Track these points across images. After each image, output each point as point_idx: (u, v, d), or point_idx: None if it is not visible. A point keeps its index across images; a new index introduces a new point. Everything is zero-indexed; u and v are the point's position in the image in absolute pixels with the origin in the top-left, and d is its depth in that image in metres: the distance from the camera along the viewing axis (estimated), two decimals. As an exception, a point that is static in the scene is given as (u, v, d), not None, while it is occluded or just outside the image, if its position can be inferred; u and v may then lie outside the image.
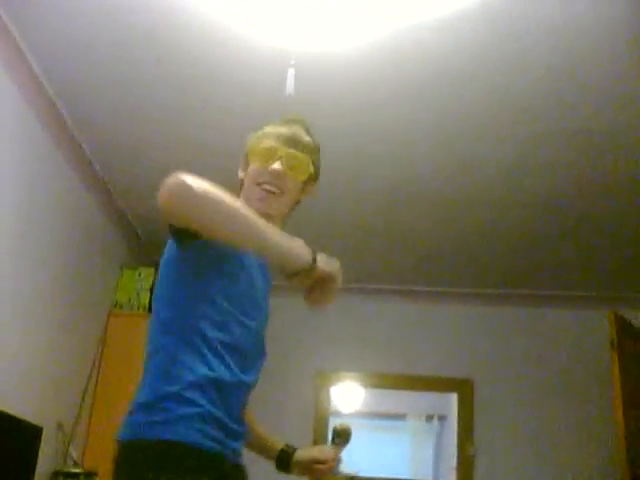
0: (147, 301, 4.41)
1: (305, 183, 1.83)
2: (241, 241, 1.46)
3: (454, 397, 5.30)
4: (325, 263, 1.49)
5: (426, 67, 2.90)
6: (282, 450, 1.95)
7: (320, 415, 5.12)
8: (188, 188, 1.38)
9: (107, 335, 4.29)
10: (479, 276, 5.05)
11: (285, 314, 4.31)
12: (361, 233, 4.49)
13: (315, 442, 4.97)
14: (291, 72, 2.46)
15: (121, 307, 4.46)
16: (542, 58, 2.79)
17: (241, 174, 1.84)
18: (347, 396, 6.59)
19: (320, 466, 1.99)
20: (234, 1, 2.60)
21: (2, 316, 3.06)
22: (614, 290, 4.97)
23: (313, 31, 2.71)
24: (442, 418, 7.33)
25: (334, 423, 5.92)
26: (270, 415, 4.87)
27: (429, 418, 7.58)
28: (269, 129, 1.82)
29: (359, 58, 2.86)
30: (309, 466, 1.98)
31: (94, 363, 4.12)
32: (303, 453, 1.99)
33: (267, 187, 1.73)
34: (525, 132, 3.31)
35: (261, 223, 1.44)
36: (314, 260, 1.46)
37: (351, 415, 6.99)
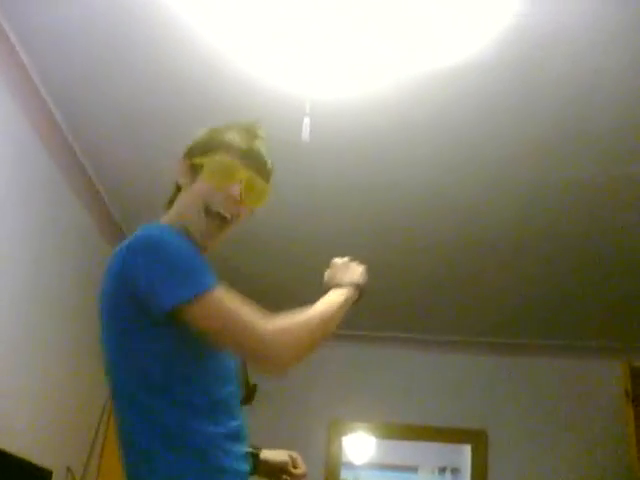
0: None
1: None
2: (331, 332, 1.55)
3: (467, 449, 5.23)
4: (363, 280, 1.79)
5: (438, 113, 2.94)
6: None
7: (332, 465, 5.05)
8: (290, 343, 1.41)
9: (119, 379, 4.27)
10: (493, 326, 5.02)
11: (299, 364, 4.29)
12: (374, 282, 4.48)
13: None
14: (306, 121, 2.50)
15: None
16: (556, 103, 2.82)
17: (181, 180, 1.60)
18: (359, 446, 6.52)
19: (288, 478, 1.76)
20: (249, 46, 2.64)
21: (13, 358, 3.07)
22: (628, 340, 4.92)
23: (328, 78, 2.76)
24: (455, 470, 7.21)
25: (346, 475, 5.87)
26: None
27: (441, 470, 7.47)
28: (227, 138, 1.57)
29: (374, 104, 2.90)
30: (277, 473, 1.75)
31: (105, 406, 4.10)
32: (272, 454, 1.76)
33: (217, 209, 1.51)
34: (541, 175, 3.32)
35: (328, 307, 1.57)
36: (360, 290, 1.73)
37: (363, 466, 6.92)
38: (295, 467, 1.77)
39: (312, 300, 1.60)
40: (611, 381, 4.48)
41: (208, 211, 1.52)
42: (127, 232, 4.20)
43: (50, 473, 3.24)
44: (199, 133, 1.66)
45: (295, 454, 1.79)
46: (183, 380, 1.41)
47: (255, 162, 1.56)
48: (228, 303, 1.38)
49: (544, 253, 3.99)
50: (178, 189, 1.63)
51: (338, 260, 1.77)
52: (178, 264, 1.39)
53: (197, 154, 1.59)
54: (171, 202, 1.63)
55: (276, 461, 1.75)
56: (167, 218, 1.60)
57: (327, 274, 1.75)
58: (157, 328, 1.40)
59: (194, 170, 1.57)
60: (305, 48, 2.61)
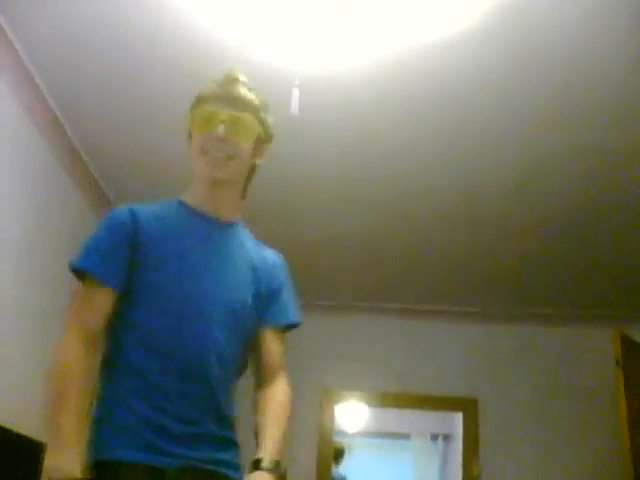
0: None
1: (256, 144, 1.69)
2: None
3: (459, 416, 5.29)
4: None
5: (431, 86, 2.92)
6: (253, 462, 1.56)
7: (324, 434, 5.09)
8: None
9: (111, 351, 4.28)
10: (483, 295, 5.03)
11: (291, 332, 4.30)
12: (366, 252, 4.49)
13: (319, 460, 4.95)
14: (295, 93, 2.47)
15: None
16: (551, 74, 2.80)
17: (187, 147, 1.71)
18: (351, 415, 6.57)
19: None
20: (238, 22, 2.62)
21: (4, 331, 3.06)
22: (619, 308, 4.94)
23: (317, 51, 2.73)
24: (447, 437, 7.30)
25: (338, 442, 5.91)
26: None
27: (434, 437, 7.55)
28: (206, 92, 1.68)
29: (362, 78, 2.88)
30: None
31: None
32: None
33: (214, 153, 1.62)
34: (535, 150, 3.31)
35: None
36: None
37: (355, 434, 6.97)
38: None
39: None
40: (601, 349, 4.51)
41: (204, 155, 1.63)
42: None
43: (42, 445, 3.24)
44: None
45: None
46: None
47: (234, 102, 1.64)
48: (80, 291, 1.59)
49: (536, 223, 3.99)
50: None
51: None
52: (89, 237, 1.62)
53: (187, 120, 1.71)
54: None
55: None
56: (186, 191, 1.73)
57: None
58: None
59: (190, 133, 1.69)
60: (294, 23, 2.58)
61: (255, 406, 1.65)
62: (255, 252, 1.73)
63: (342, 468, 6.07)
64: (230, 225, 1.70)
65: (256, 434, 1.59)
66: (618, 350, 3.92)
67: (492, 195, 3.73)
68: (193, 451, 1.51)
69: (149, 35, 2.75)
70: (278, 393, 1.67)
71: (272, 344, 1.71)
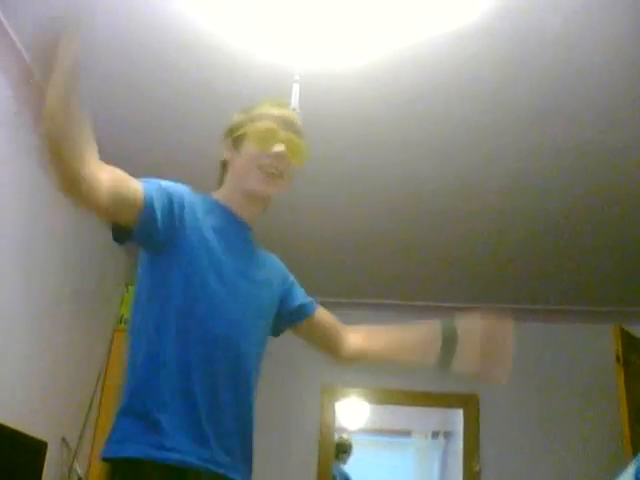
0: (152, 316, 4.41)
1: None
2: None
3: (460, 413, 5.28)
4: None
5: (427, 83, 2.92)
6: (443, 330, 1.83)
7: (325, 431, 5.10)
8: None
9: (112, 350, 4.29)
10: (483, 291, 5.04)
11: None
12: (365, 249, 4.50)
13: (320, 457, 4.96)
14: (296, 88, 2.47)
15: (126, 323, 4.46)
16: (545, 71, 2.80)
17: (228, 155, 1.77)
18: (352, 412, 6.58)
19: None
20: (238, 20, 2.63)
21: (7, 331, 3.07)
22: (620, 305, 4.95)
23: (317, 49, 2.74)
24: (448, 434, 7.31)
25: (335, 437, 5.92)
26: (275, 430, 4.88)
27: (435, 434, 7.56)
28: (263, 110, 1.75)
29: (361, 75, 2.88)
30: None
31: (99, 378, 4.12)
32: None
33: (270, 170, 1.68)
34: (530, 146, 3.32)
35: None
36: None
37: (356, 431, 6.98)
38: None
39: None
40: (602, 345, 4.52)
41: (261, 169, 1.68)
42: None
43: (45, 444, 3.26)
44: (234, 116, 1.81)
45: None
46: None
47: (291, 126, 1.73)
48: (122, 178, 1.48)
49: (534, 220, 3.99)
50: (224, 168, 1.79)
51: None
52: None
53: (238, 128, 1.75)
54: (221, 181, 1.79)
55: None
56: (218, 193, 1.76)
57: None
58: None
59: (238, 142, 1.74)
60: (295, 20, 2.58)
61: (358, 350, 2.01)
62: (266, 256, 1.83)
63: (345, 465, 6.10)
64: (250, 229, 1.77)
65: (382, 353, 1.99)
66: (618, 346, 3.93)
67: (491, 191, 3.74)
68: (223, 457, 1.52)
69: (146, 35, 2.75)
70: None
71: (319, 325, 1.94)
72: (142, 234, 1.51)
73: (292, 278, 1.88)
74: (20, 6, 2.66)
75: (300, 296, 1.88)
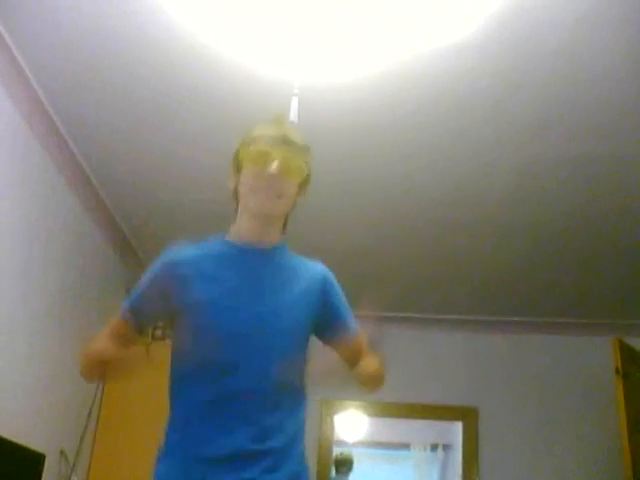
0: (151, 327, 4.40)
1: (300, 184, 1.80)
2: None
3: (459, 426, 5.27)
4: None
5: (427, 95, 2.93)
6: None
7: (324, 444, 5.08)
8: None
9: (111, 362, 4.28)
10: (483, 303, 5.04)
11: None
12: (365, 262, 4.50)
13: (319, 470, 4.94)
14: (295, 101, 2.48)
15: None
16: (545, 82, 2.81)
17: (231, 184, 1.81)
18: (351, 425, 6.55)
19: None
20: (238, 34, 2.63)
21: (4, 342, 3.06)
22: (619, 317, 4.95)
23: (316, 62, 2.75)
24: (447, 447, 7.29)
25: (337, 452, 5.89)
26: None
27: (434, 447, 7.54)
28: (257, 133, 1.77)
29: (361, 87, 2.89)
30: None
31: (97, 390, 4.10)
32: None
33: (264, 191, 1.70)
34: (530, 157, 3.33)
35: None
36: None
37: (355, 444, 6.95)
38: None
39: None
40: (601, 357, 4.51)
41: (255, 191, 1.71)
42: (119, 221, 4.19)
43: (43, 457, 3.25)
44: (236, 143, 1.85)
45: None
46: None
47: (287, 143, 1.73)
48: (110, 324, 1.82)
49: (534, 231, 3.99)
50: (236, 198, 1.81)
51: None
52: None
53: (237, 155, 1.79)
54: (235, 210, 1.83)
55: None
56: (234, 225, 1.81)
57: None
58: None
59: (238, 169, 1.77)
60: (295, 34, 2.60)
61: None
62: (302, 269, 1.82)
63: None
64: (275, 248, 1.79)
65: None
66: (618, 359, 3.93)
67: (491, 202, 3.74)
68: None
69: (146, 46, 2.76)
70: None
71: (351, 350, 1.93)
72: (147, 325, 1.83)
73: (334, 291, 1.92)
74: (23, 22, 2.68)
75: (341, 319, 1.93)
